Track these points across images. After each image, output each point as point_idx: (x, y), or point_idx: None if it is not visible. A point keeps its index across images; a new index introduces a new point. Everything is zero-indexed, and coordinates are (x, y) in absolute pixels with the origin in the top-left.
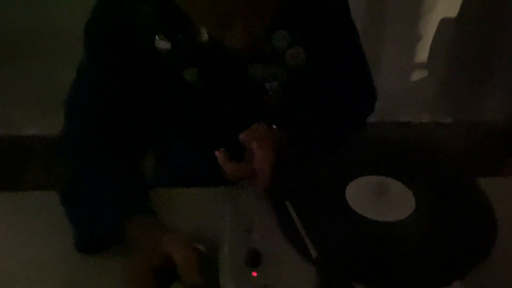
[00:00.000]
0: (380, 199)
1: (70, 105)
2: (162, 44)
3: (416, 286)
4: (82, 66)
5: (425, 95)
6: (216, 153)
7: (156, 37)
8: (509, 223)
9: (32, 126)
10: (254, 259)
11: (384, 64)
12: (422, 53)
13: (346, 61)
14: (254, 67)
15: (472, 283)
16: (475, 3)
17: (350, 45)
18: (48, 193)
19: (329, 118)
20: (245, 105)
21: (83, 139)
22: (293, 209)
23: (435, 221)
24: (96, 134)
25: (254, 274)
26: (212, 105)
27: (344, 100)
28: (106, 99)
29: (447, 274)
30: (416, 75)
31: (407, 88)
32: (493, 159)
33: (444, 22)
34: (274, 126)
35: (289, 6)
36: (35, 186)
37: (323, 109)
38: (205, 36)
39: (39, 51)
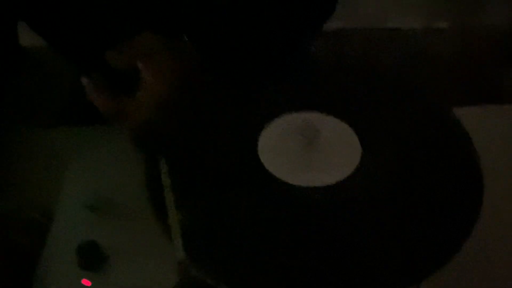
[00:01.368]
0: (308, 150)
1: None
2: None
3: None
4: None
5: None
6: (83, 80)
7: None
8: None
9: None
10: (90, 258)
11: None
12: None
13: None
14: None
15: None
16: None
17: None
18: None
19: (268, 22)
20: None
21: None
22: (169, 170)
23: (392, 183)
24: None
25: (86, 282)
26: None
27: None
28: None
29: (408, 274)
30: None
31: None
32: (492, 67)
33: None
34: (186, 38)
35: None
36: None
37: (259, 9)
38: None
39: None
